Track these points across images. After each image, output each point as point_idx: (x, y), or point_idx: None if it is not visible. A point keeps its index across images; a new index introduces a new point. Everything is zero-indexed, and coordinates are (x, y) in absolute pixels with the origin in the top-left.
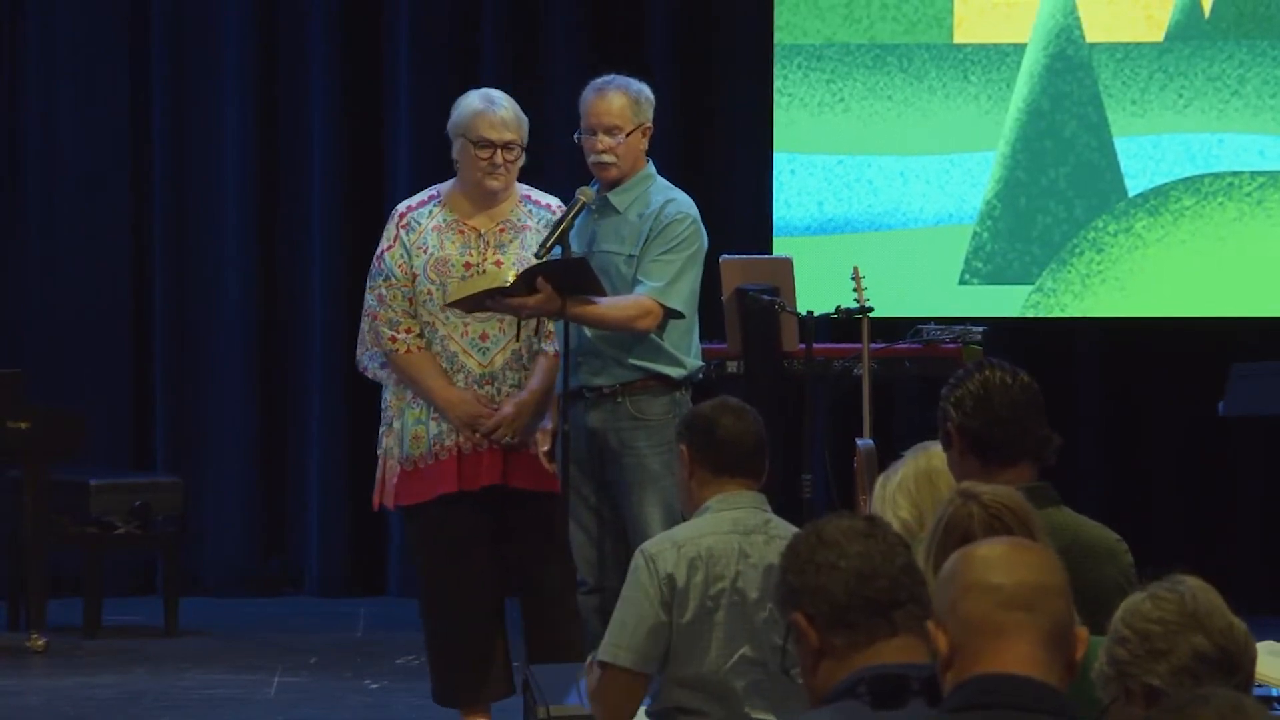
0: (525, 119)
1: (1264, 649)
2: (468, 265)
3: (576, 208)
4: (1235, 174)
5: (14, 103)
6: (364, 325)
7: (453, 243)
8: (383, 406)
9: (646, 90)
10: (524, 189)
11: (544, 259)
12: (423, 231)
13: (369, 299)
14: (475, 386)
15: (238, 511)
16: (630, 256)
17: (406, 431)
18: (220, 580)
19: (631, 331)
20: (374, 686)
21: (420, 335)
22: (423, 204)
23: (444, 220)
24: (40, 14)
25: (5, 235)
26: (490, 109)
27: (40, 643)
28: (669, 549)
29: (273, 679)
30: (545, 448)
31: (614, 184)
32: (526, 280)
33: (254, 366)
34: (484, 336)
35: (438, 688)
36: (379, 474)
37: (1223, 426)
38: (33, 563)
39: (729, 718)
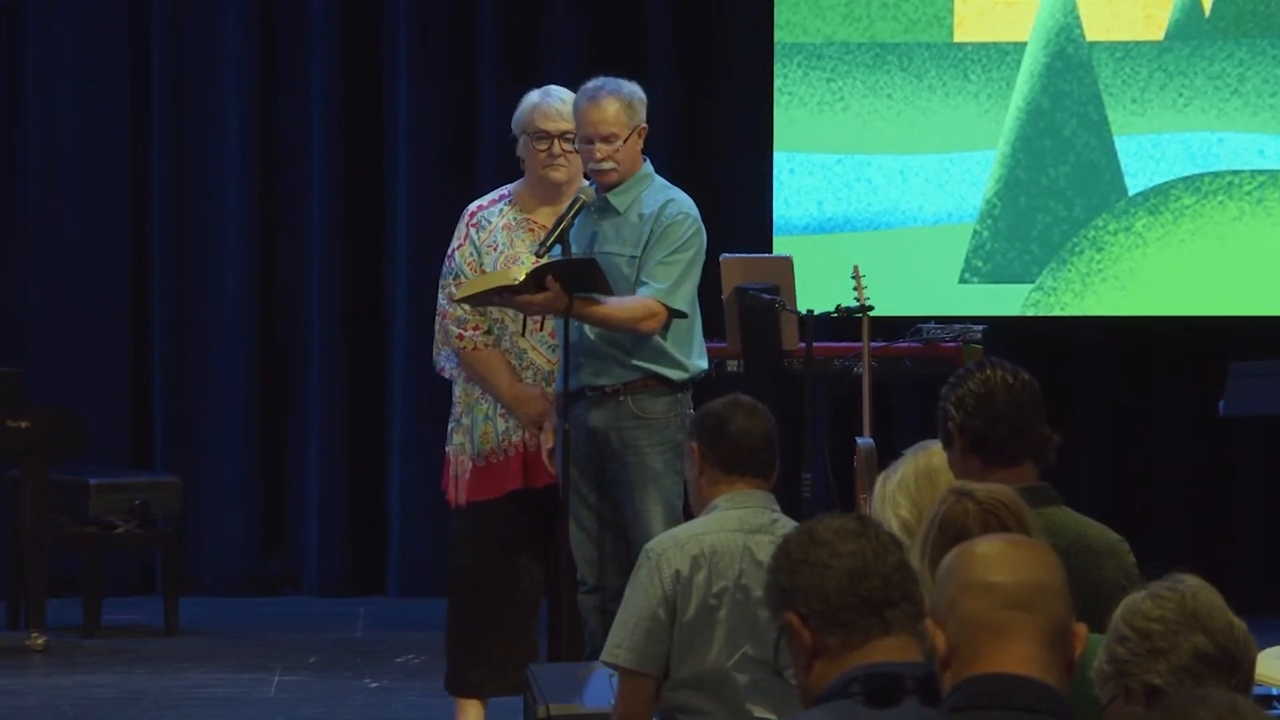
0: None
1: (1270, 654)
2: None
3: (576, 208)
4: (1235, 173)
5: (14, 103)
6: (436, 324)
7: (522, 240)
8: (452, 403)
9: (639, 91)
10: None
11: (543, 258)
12: (493, 230)
13: (440, 298)
14: (543, 384)
15: (238, 511)
16: (632, 258)
17: (476, 428)
18: (220, 580)
19: (635, 333)
20: (374, 686)
21: (489, 332)
22: (493, 203)
23: (513, 219)
24: (40, 14)
25: (5, 235)
26: (545, 101)
27: (40, 642)
28: (672, 547)
29: (273, 679)
30: (549, 446)
31: (613, 186)
32: (536, 278)
33: (253, 366)
34: (554, 334)
35: (452, 677)
36: (450, 470)
37: (1223, 426)
38: (32, 562)
39: (731, 716)
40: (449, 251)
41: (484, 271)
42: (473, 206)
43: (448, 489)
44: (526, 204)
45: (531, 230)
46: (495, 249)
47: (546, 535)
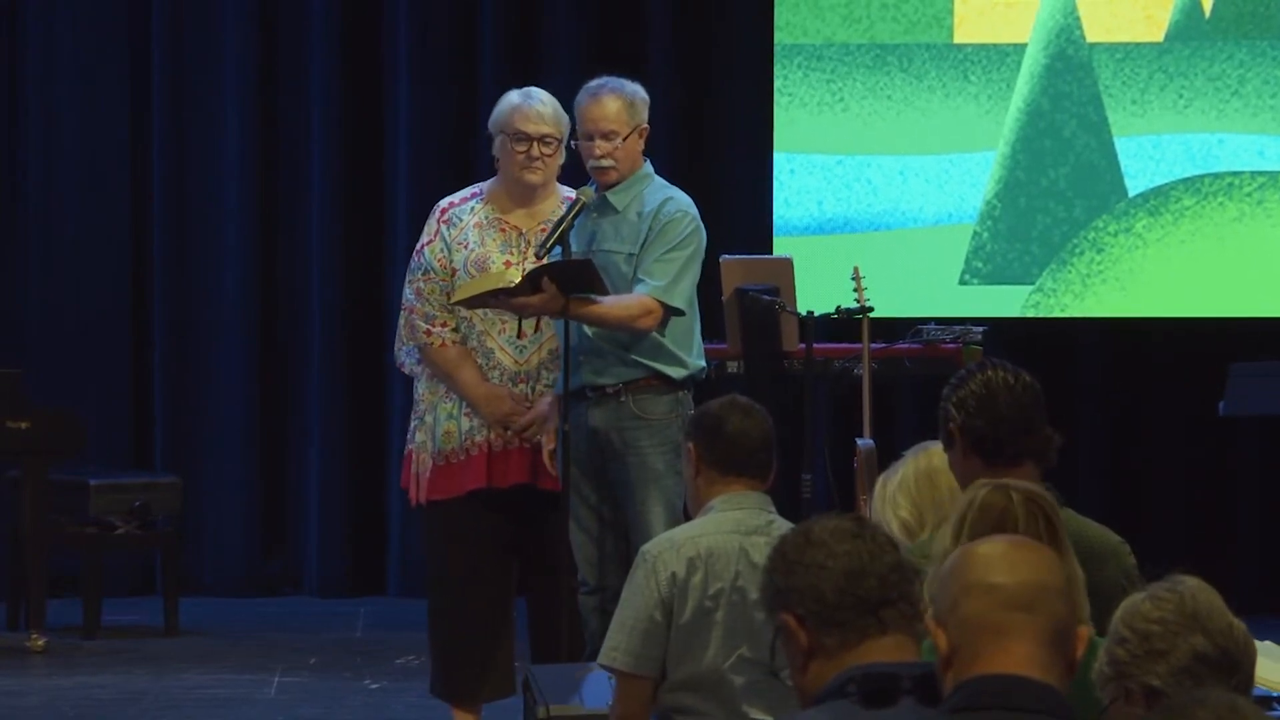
0: (565, 116)
1: (1261, 650)
2: (508, 263)
3: (576, 208)
4: (1235, 174)
5: (14, 103)
6: (400, 319)
7: (493, 240)
8: (415, 400)
9: (641, 91)
10: (566, 190)
11: (544, 259)
12: (464, 227)
13: (407, 292)
14: (510, 384)
15: (238, 511)
16: (630, 255)
17: (439, 426)
18: (220, 580)
19: (632, 331)
20: (374, 686)
21: (456, 330)
22: (465, 200)
23: (485, 217)
24: (40, 14)
25: (5, 235)
26: (527, 103)
27: (40, 643)
28: (668, 549)
29: (273, 679)
30: (551, 447)
31: (613, 185)
32: (532, 280)
33: (253, 366)
34: (522, 334)
35: (437, 680)
36: (411, 469)
37: (1223, 426)
38: (33, 563)
39: (728, 718)
40: (418, 246)
41: (454, 268)
42: (444, 203)
43: (408, 487)
44: (501, 204)
45: (503, 230)
46: (466, 246)
47: (526, 535)
